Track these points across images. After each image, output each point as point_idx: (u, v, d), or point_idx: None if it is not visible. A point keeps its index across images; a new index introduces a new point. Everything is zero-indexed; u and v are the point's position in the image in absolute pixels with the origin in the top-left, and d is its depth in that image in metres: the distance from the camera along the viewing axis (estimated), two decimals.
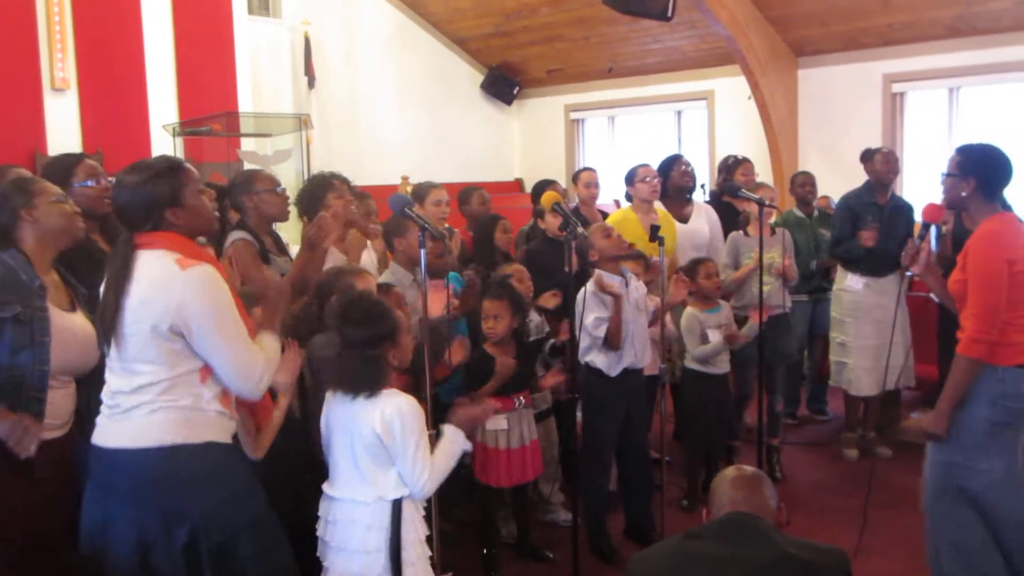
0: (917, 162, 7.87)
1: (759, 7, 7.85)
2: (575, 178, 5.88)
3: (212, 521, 2.36)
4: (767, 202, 4.53)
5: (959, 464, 3.13)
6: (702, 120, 9.46)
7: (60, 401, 2.72)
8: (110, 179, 3.35)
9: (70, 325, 2.76)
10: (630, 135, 10.38)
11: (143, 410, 2.35)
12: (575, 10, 8.98)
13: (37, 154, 6.69)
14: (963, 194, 3.17)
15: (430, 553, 2.77)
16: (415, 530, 2.71)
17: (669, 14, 7.16)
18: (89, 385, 2.82)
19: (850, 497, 4.78)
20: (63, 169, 3.28)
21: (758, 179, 5.98)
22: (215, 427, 2.43)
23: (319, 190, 3.97)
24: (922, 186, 5.34)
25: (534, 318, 4.39)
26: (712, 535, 2.12)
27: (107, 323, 2.36)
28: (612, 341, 4.00)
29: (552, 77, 10.52)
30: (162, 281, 2.33)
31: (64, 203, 2.85)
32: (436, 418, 3.42)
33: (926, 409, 5.57)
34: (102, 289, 2.41)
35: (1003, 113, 7.63)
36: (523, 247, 5.06)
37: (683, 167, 5.37)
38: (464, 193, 5.52)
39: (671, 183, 5.28)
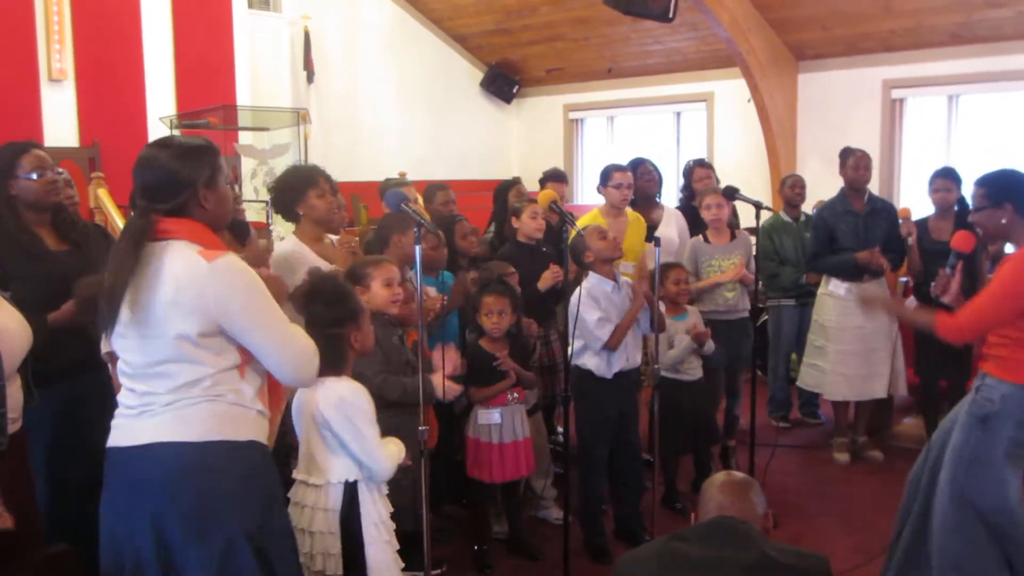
0: (915, 168, 7.88)
1: (760, 10, 7.84)
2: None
3: (252, 525, 2.23)
4: (764, 205, 4.53)
5: (974, 483, 3.09)
6: (701, 122, 9.45)
7: (14, 393, 2.61)
8: (59, 171, 3.28)
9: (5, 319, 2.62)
10: (629, 136, 10.36)
11: (184, 403, 2.20)
12: (576, 10, 8.98)
13: None
14: (1003, 221, 3.13)
15: (388, 537, 2.79)
16: (374, 512, 2.76)
17: (670, 15, 7.16)
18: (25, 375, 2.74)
19: (840, 501, 4.79)
20: (6, 159, 3.12)
21: (749, 183, 5.96)
22: (256, 425, 2.32)
23: (300, 184, 3.68)
24: (920, 192, 5.32)
25: None
26: (697, 537, 2.15)
27: (110, 315, 2.18)
28: (614, 342, 3.99)
29: (552, 76, 10.52)
30: (190, 280, 2.16)
31: None
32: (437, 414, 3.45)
33: (918, 415, 5.59)
34: (109, 278, 2.20)
35: (1002, 122, 7.63)
36: (494, 251, 4.85)
37: (646, 172, 5.29)
38: (429, 190, 5.41)
39: (635, 187, 5.09)
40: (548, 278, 4.36)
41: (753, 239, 5.24)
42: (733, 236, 5.01)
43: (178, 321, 2.16)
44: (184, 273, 2.17)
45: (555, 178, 5.75)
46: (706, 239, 5.01)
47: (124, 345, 2.26)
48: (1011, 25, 6.95)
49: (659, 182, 5.41)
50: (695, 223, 5.34)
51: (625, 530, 4.28)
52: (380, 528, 2.77)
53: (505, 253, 4.62)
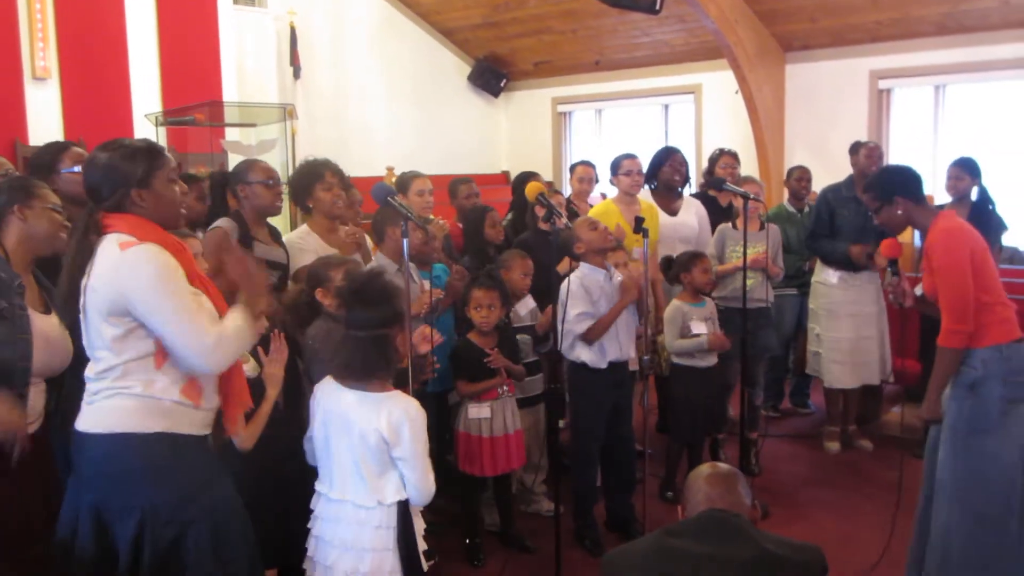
0: (902, 159, 7.88)
1: (748, 1, 7.84)
2: (572, 170, 5.92)
3: (158, 514, 2.31)
4: (752, 196, 4.53)
5: (977, 451, 3.16)
6: (689, 114, 9.45)
7: (32, 399, 2.72)
8: None
9: (45, 327, 2.76)
10: (617, 128, 10.36)
11: (102, 395, 2.34)
12: (563, 2, 8.96)
13: (18, 143, 6.63)
14: (899, 213, 3.36)
15: (425, 547, 2.76)
16: (419, 526, 2.73)
17: (657, 7, 7.14)
18: (58, 385, 2.84)
19: (830, 489, 4.81)
20: (50, 155, 3.34)
21: (744, 173, 5.99)
22: (171, 417, 2.36)
23: (308, 179, 3.88)
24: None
25: (529, 305, 4.39)
26: (691, 532, 2.13)
27: (67, 307, 2.38)
28: (593, 335, 3.99)
29: (540, 69, 10.50)
30: (106, 267, 2.30)
31: (58, 214, 2.88)
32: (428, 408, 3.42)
33: (907, 403, 5.62)
34: (62, 274, 2.40)
35: (988, 111, 7.65)
36: (516, 238, 4.96)
37: (675, 164, 5.23)
38: (453, 185, 5.51)
39: (661, 177, 5.18)
40: (567, 263, 4.35)
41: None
42: (762, 226, 5.01)
43: (97, 307, 2.30)
44: (101, 262, 2.32)
45: (531, 179, 5.75)
46: (734, 226, 5.01)
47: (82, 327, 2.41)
48: (997, 15, 6.96)
49: (686, 175, 5.31)
50: (712, 211, 5.38)
51: (617, 522, 4.29)
52: (423, 541, 2.73)
53: (525, 240, 4.76)
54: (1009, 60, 7.10)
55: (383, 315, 2.61)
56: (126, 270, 2.28)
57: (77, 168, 3.26)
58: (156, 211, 2.40)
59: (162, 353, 2.34)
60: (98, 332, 2.32)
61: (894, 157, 8.03)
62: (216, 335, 2.33)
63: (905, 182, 3.40)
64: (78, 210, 3.19)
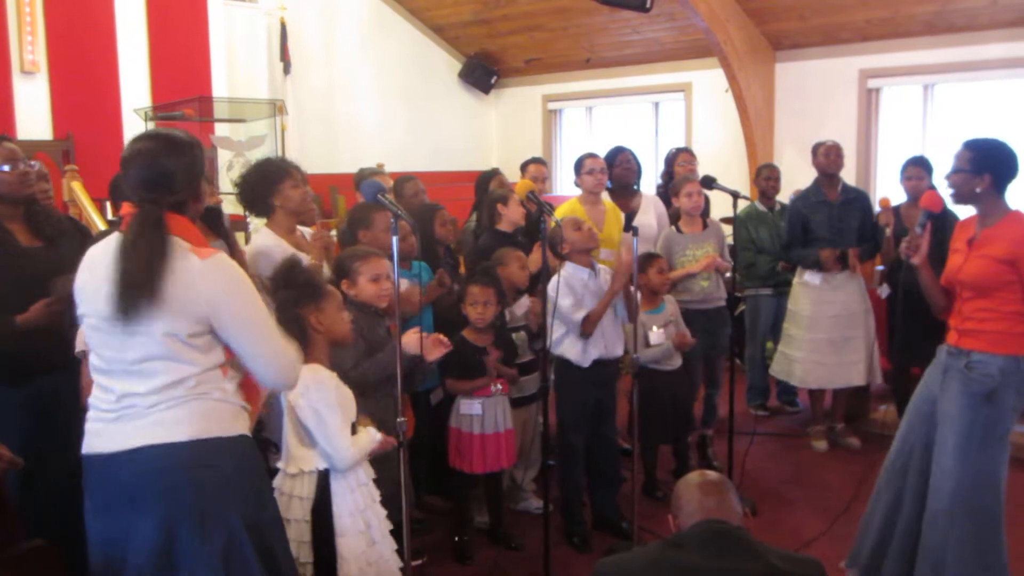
0: (891, 158, 7.92)
1: (738, 0, 7.86)
2: (523, 168, 5.67)
3: (250, 517, 2.23)
4: (742, 194, 4.54)
5: (991, 458, 3.17)
6: (679, 112, 9.46)
7: None
8: (31, 163, 3.24)
9: None
10: (608, 126, 10.36)
11: (169, 403, 2.16)
12: (554, 0, 8.96)
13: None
14: (977, 190, 3.20)
15: (362, 527, 2.79)
16: (349, 501, 2.75)
17: (648, 5, 7.15)
18: None
19: (818, 488, 4.83)
20: None
21: (708, 172, 5.97)
22: (242, 420, 2.31)
23: (273, 176, 3.65)
24: (896, 181, 5.36)
25: (524, 304, 4.38)
26: (695, 545, 2.09)
27: (114, 312, 2.10)
28: (589, 327, 3.99)
29: (530, 67, 10.49)
30: (182, 277, 2.12)
31: None
32: (417, 409, 3.43)
33: (892, 403, 5.64)
34: (107, 275, 2.12)
35: (977, 111, 7.69)
36: (475, 243, 4.83)
37: (625, 161, 5.24)
38: (398, 184, 5.33)
39: (614, 176, 5.15)
40: (536, 260, 4.32)
41: (730, 228, 5.25)
42: (705, 225, 5.02)
43: (168, 318, 2.12)
44: (178, 270, 2.12)
45: (535, 162, 5.71)
46: (678, 229, 5.01)
47: (101, 340, 2.20)
48: (986, 14, 6.99)
49: (637, 171, 5.36)
50: (672, 211, 5.35)
51: (603, 521, 4.30)
52: (356, 518, 2.76)
53: (484, 243, 4.61)
54: (997, 60, 7.13)
55: (291, 295, 2.79)
56: (216, 283, 2.16)
57: (7, 167, 3.05)
58: (199, 208, 2.34)
59: (226, 361, 2.26)
60: (160, 343, 2.13)
61: (882, 156, 8.07)
62: (297, 353, 2.35)
63: (1007, 168, 3.20)
64: (7, 210, 3.07)
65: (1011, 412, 3.15)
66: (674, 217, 5.13)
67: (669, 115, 9.71)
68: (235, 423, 2.26)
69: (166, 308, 2.11)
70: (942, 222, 4.74)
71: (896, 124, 8.09)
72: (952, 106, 7.81)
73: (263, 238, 3.67)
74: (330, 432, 2.71)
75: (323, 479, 2.73)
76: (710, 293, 4.91)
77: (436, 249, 4.50)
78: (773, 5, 7.80)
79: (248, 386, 2.42)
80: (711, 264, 4.84)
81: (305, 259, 3.34)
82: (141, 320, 2.10)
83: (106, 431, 2.19)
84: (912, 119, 7.96)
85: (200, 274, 2.13)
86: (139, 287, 2.08)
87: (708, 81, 8.92)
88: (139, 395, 2.16)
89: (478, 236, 4.89)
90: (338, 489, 2.74)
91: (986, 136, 3.28)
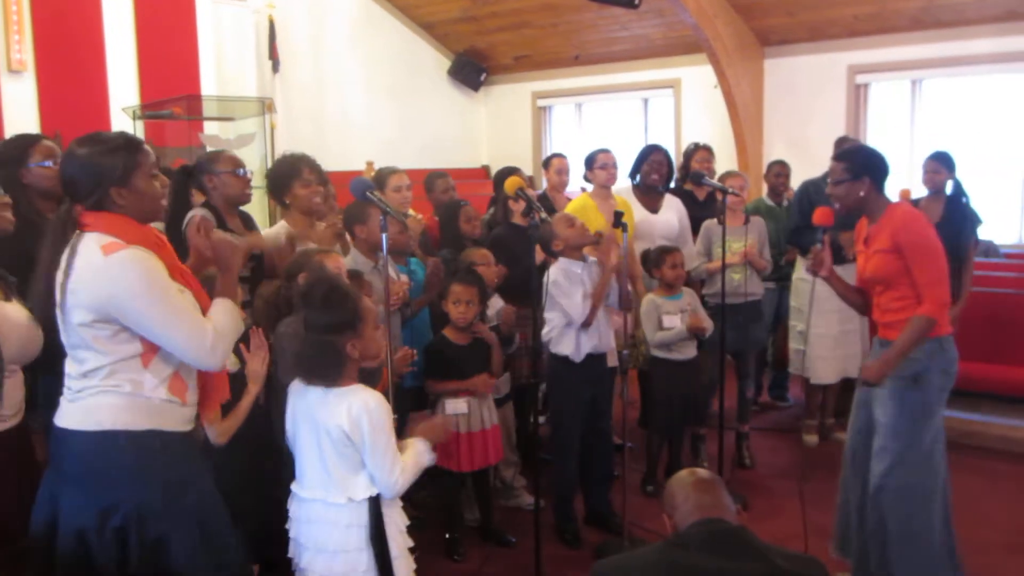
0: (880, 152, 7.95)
1: None
2: (546, 164, 5.95)
3: (145, 512, 2.30)
4: (730, 190, 4.56)
5: (922, 437, 3.31)
6: (669, 108, 9.48)
7: (10, 391, 2.69)
8: None
9: (7, 314, 2.73)
10: (597, 123, 10.37)
11: (88, 393, 2.31)
12: None
13: None
14: (861, 194, 3.39)
15: (411, 543, 2.71)
16: (396, 522, 2.65)
17: (636, 2, 7.16)
18: (35, 373, 2.82)
19: (809, 481, 4.85)
20: (20, 149, 3.29)
21: (726, 168, 6.01)
22: (161, 415, 2.36)
23: (286, 175, 3.84)
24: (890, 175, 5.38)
25: (496, 304, 4.39)
26: (698, 545, 2.06)
27: (41, 301, 2.35)
28: (591, 314, 3.99)
29: (519, 64, 10.49)
30: (90, 272, 2.26)
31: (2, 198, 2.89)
32: (399, 405, 3.42)
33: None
34: (38, 268, 2.35)
35: (964, 105, 7.73)
36: (490, 233, 4.98)
37: (653, 163, 5.14)
38: (429, 179, 5.51)
39: (641, 176, 5.17)
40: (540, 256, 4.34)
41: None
42: (746, 220, 5.03)
43: (78, 310, 2.26)
44: (82, 265, 2.26)
45: (512, 174, 5.74)
46: (720, 221, 5.01)
47: (59, 324, 2.37)
48: (972, 9, 7.03)
49: (664, 175, 5.23)
50: (690, 205, 5.39)
51: (595, 516, 4.31)
52: (404, 538, 2.68)
53: (498, 234, 4.76)
54: (984, 55, 7.17)
55: (329, 321, 2.56)
56: (111, 277, 2.24)
57: (48, 163, 3.24)
58: (137, 208, 2.35)
59: (150, 352, 2.33)
60: (79, 333, 2.28)
61: None
62: (212, 332, 2.35)
63: (879, 166, 3.44)
64: (48, 205, 3.22)
65: (938, 391, 3.31)
66: (701, 210, 5.17)
67: (658, 111, 9.73)
68: (145, 418, 2.33)
69: (74, 300, 2.26)
70: (960, 214, 4.91)
71: (884, 119, 8.13)
72: (940, 101, 7.85)
73: (277, 229, 3.85)
74: (392, 458, 2.56)
75: (374, 504, 2.57)
76: (740, 287, 4.88)
77: (463, 244, 4.61)
78: (761, 1, 7.82)
79: (207, 389, 2.53)
80: (745, 257, 4.86)
81: (336, 264, 3.36)
82: (65, 308, 2.28)
83: (62, 407, 2.38)
84: (900, 114, 8.00)
85: (101, 269, 2.24)
86: (39, 279, 2.33)
87: (697, 77, 8.94)
88: (73, 378, 2.35)
89: (491, 228, 5.03)
90: (389, 512, 2.61)
91: (855, 143, 3.51)
